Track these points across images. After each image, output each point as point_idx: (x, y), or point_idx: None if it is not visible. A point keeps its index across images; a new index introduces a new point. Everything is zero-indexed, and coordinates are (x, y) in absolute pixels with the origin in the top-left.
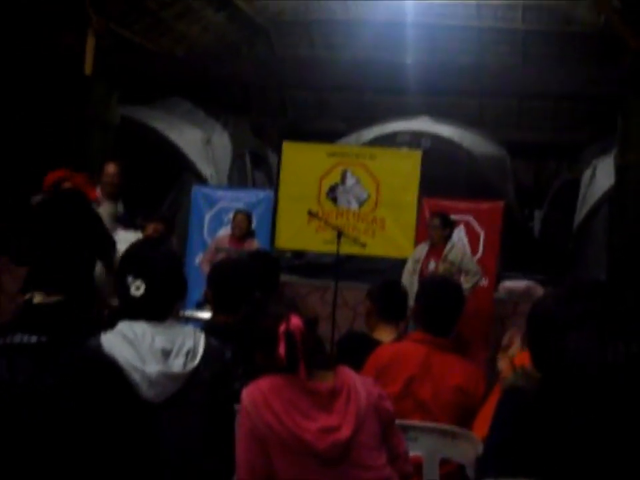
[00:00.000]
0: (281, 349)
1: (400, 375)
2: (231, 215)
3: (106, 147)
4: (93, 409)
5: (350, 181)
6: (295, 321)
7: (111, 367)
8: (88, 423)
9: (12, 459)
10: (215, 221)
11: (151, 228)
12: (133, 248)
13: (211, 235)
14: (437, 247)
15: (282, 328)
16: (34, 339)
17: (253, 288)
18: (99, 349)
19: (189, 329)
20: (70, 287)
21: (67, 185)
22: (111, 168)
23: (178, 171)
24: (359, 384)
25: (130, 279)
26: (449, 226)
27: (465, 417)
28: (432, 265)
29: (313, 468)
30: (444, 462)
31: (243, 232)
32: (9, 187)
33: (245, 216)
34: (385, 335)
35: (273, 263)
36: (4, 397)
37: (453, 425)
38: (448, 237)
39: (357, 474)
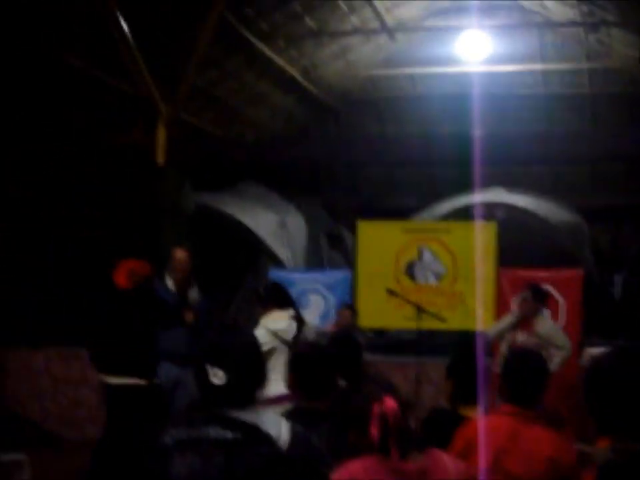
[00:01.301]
0: (374, 431)
1: (488, 448)
2: (310, 297)
3: (180, 235)
4: None
5: (427, 256)
6: (389, 403)
7: (308, 469)
8: None
9: None
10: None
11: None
12: (212, 336)
13: None
14: (527, 319)
15: (376, 409)
16: (229, 434)
17: (335, 372)
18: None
19: (273, 415)
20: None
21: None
22: (179, 253)
23: (254, 255)
24: (449, 464)
25: (209, 367)
26: (540, 299)
27: None
28: (521, 337)
29: None
30: None
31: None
32: (88, 279)
33: (351, 311)
34: (470, 411)
35: (353, 346)
36: None
37: None
38: (539, 310)
39: None
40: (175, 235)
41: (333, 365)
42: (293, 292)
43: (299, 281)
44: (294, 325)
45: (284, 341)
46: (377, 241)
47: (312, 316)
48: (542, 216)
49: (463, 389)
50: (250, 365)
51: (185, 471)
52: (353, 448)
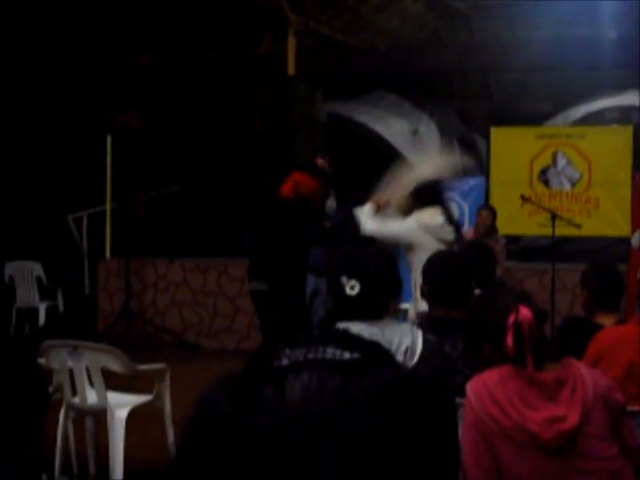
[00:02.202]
0: (509, 340)
1: (623, 358)
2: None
3: (313, 145)
4: (398, 434)
5: (561, 162)
6: (525, 312)
7: (431, 394)
8: (387, 449)
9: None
10: None
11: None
12: (346, 247)
13: None
14: None
15: (511, 319)
16: (346, 355)
17: (469, 280)
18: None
19: (406, 326)
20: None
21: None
22: (320, 162)
23: (387, 164)
24: (585, 374)
25: (344, 278)
26: None
27: None
28: None
29: (540, 459)
30: None
31: (488, 229)
32: (222, 189)
33: (489, 212)
34: (605, 319)
35: (487, 254)
36: (310, 412)
37: None
38: None
39: (584, 465)
40: (309, 144)
41: (468, 273)
42: None
43: None
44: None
45: (440, 238)
46: (511, 147)
47: None
48: None
49: (599, 297)
50: (384, 275)
51: (299, 394)
52: (488, 358)
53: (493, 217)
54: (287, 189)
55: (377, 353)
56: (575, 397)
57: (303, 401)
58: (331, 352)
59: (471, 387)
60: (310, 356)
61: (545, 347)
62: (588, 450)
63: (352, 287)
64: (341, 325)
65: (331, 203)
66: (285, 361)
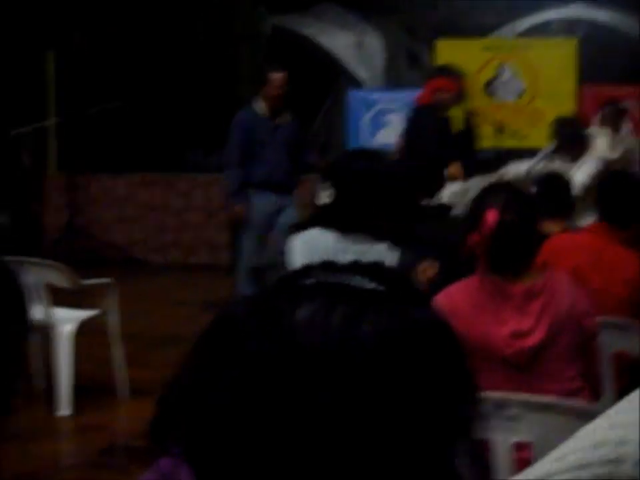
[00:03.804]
0: (471, 238)
1: (569, 261)
2: (389, 117)
3: (258, 59)
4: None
5: (506, 73)
6: (491, 216)
7: (451, 341)
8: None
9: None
10: (374, 123)
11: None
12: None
13: (370, 138)
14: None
15: (484, 223)
16: (371, 285)
17: (416, 193)
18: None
19: (382, 246)
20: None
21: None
22: (276, 75)
23: (332, 77)
24: (567, 292)
25: (325, 185)
26: (621, 115)
27: (637, 312)
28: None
29: (501, 374)
30: (617, 356)
31: None
32: (166, 104)
33: None
34: (552, 227)
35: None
36: (312, 340)
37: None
38: (619, 126)
39: (543, 385)
40: (253, 58)
41: (410, 187)
42: (372, 112)
43: (378, 100)
44: None
45: None
46: (456, 60)
47: (391, 135)
48: (625, 31)
49: (545, 203)
50: (360, 188)
51: (307, 317)
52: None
53: None
54: (425, 98)
55: (403, 287)
56: (546, 312)
57: (309, 326)
58: (358, 279)
59: (438, 300)
60: (333, 279)
61: (520, 256)
62: (549, 369)
63: (328, 195)
64: (315, 232)
65: (287, 117)
66: (310, 280)
